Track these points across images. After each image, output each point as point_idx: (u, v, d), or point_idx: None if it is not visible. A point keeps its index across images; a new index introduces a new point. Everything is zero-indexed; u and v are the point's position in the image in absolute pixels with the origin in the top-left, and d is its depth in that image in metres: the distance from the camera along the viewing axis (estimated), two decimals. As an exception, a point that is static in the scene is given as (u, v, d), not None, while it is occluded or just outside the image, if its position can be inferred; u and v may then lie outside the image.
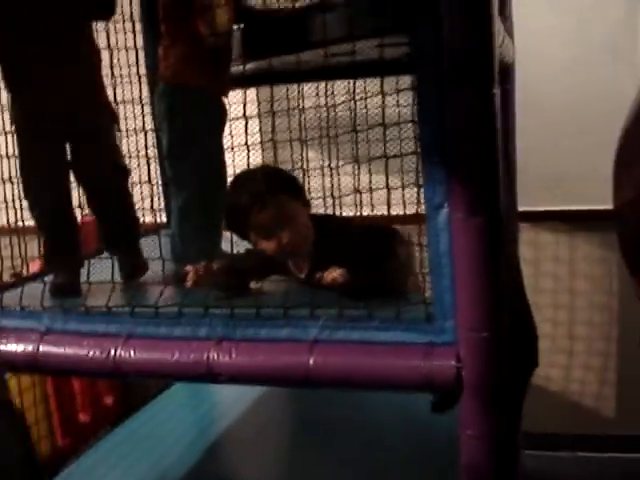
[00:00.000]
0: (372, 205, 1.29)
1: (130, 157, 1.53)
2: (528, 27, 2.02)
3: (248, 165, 1.41)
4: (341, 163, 1.27)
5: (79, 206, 1.50)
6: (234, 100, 1.84)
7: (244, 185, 1.39)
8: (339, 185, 1.28)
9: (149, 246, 1.50)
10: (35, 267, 1.77)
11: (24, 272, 1.67)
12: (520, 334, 1.33)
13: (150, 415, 2.07)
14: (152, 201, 1.42)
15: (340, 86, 1.87)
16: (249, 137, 1.50)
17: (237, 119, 1.45)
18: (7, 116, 1.46)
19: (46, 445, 2.18)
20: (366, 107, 1.31)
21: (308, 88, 1.92)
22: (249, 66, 1.55)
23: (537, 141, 2.21)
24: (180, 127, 1.46)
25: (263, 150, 1.77)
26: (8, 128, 1.46)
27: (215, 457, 1.78)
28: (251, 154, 1.44)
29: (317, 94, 1.86)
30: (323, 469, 1.64)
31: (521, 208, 2.07)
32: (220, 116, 1.53)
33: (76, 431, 2.39)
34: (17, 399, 1.94)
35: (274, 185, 1.35)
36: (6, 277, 1.57)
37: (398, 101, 1.21)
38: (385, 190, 1.22)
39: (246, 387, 2.01)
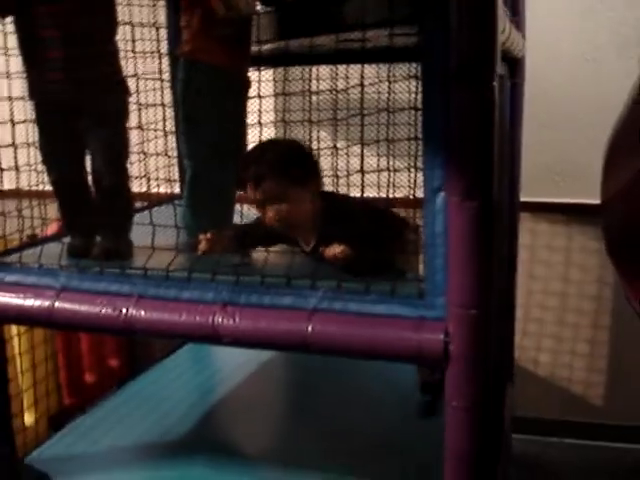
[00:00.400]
0: (378, 187, 1.35)
1: (148, 129, 1.58)
2: (540, 22, 2.08)
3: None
4: (346, 144, 1.33)
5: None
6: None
7: (250, 157, 1.46)
8: (347, 166, 1.34)
9: (163, 214, 1.57)
10: (53, 229, 1.84)
11: (40, 234, 1.75)
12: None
13: (155, 377, 2.15)
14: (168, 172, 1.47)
15: (354, 70, 1.91)
16: (264, 115, 1.58)
17: (252, 98, 1.53)
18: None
19: (53, 402, 2.26)
20: (378, 92, 1.37)
21: (323, 70, 1.98)
22: (265, 47, 1.60)
23: (543, 133, 2.27)
24: (194, 101, 1.52)
25: (276, 128, 1.82)
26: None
27: (214, 420, 1.86)
28: (265, 132, 1.53)
29: (331, 77, 1.91)
30: (314, 437, 1.72)
31: (523, 198, 2.13)
32: (239, 91, 1.59)
33: (82, 391, 2.49)
34: (28, 355, 2.02)
35: (276, 161, 1.41)
36: (20, 239, 1.64)
37: (410, 87, 1.26)
38: (391, 173, 1.30)
39: (251, 354, 2.11)
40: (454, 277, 1.12)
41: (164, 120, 1.42)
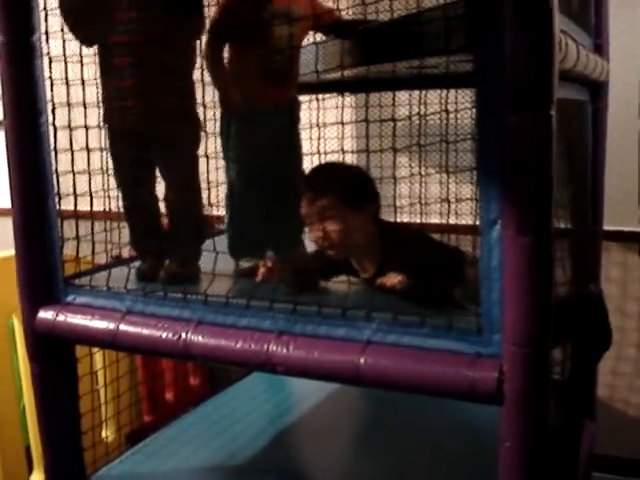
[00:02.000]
0: (440, 214, 1.32)
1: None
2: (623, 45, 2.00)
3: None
4: (409, 172, 1.30)
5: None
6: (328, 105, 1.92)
7: (310, 175, 1.48)
8: (421, 193, 1.31)
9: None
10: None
11: (123, 255, 1.80)
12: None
13: (228, 399, 2.18)
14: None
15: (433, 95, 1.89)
16: (342, 141, 1.58)
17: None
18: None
19: (133, 418, 2.30)
20: (456, 119, 1.34)
21: (402, 96, 1.97)
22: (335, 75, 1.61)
23: (629, 160, 2.17)
24: (247, 151, 1.55)
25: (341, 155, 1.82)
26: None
27: (282, 445, 1.86)
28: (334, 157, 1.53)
29: (409, 103, 1.89)
30: (379, 470, 1.69)
31: (610, 227, 2.04)
32: (289, 121, 1.60)
33: (161, 408, 2.53)
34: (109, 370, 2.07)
35: (334, 181, 1.42)
36: (107, 259, 1.69)
37: (471, 113, 1.23)
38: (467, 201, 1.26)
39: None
40: (509, 314, 1.07)
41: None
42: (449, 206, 1.19)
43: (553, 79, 1.02)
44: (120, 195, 1.60)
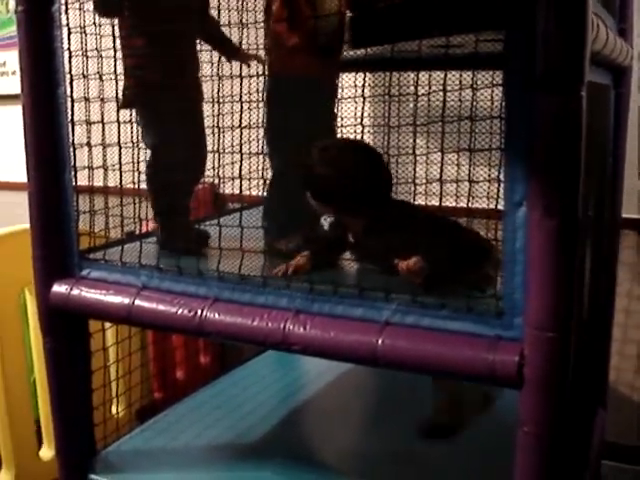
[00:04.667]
0: (456, 196, 1.30)
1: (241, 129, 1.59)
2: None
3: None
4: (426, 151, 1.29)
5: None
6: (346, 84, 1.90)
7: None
8: (426, 174, 1.30)
9: (254, 217, 1.58)
10: (145, 228, 1.88)
11: (137, 231, 1.79)
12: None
13: (239, 377, 2.17)
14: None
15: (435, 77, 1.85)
16: (355, 120, 1.56)
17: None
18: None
19: (143, 395, 2.30)
20: (460, 100, 1.32)
21: (407, 76, 1.94)
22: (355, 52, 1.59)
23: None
24: (283, 114, 1.52)
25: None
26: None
27: (292, 425, 1.85)
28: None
29: (414, 84, 1.86)
30: (391, 451, 1.68)
31: (628, 215, 2.02)
32: (329, 99, 1.58)
33: (172, 386, 2.54)
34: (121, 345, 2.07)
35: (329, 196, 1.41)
36: (122, 234, 1.68)
37: (492, 95, 1.21)
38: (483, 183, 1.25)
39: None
40: (532, 297, 1.06)
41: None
42: (470, 188, 1.17)
43: (585, 60, 1.00)
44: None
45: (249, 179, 1.63)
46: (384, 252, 1.33)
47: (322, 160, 1.40)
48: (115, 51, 1.50)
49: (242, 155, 1.40)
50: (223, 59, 1.56)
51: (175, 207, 1.66)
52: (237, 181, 1.48)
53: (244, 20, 1.49)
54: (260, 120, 1.63)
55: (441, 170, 1.23)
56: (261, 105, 1.62)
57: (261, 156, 1.53)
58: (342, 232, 1.46)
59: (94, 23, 1.46)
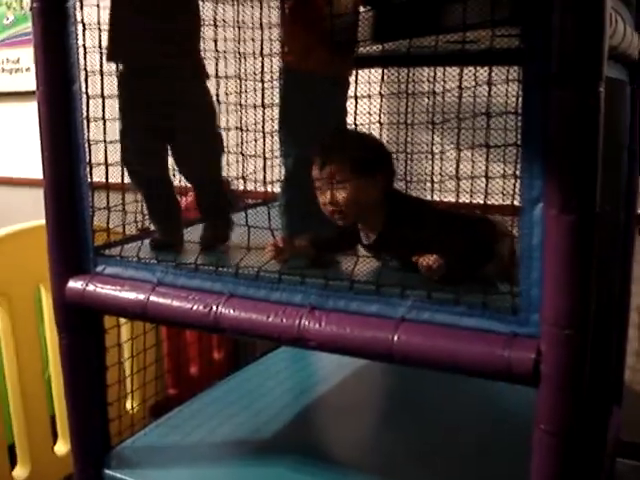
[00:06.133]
0: (471, 192, 1.29)
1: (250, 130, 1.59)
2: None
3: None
4: (441, 148, 1.28)
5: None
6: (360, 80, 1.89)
7: (324, 141, 1.44)
8: (441, 170, 1.30)
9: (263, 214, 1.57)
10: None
11: (150, 227, 1.79)
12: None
13: (253, 374, 2.18)
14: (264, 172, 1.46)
15: (453, 73, 1.84)
16: (369, 116, 1.55)
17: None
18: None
19: (157, 391, 2.31)
20: (474, 95, 1.32)
21: (423, 72, 1.93)
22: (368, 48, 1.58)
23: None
24: (297, 109, 1.52)
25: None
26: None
27: (305, 421, 1.86)
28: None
29: (428, 80, 1.85)
30: (405, 448, 1.69)
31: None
32: (338, 94, 1.57)
33: (186, 382, 2.54)
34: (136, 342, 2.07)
35: (345, 146, 1.39)
36: (134, 231, 1.68)
37: (507, 90, 1.20)
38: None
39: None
40: (549, 294, 1.05)
41: (263, 122, 1.42)
42: (487, 183, 1.16)
43: (603, 54, 0.99)
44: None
45: (263, 175, 1.63)
46: (402, 248, 1.33)
47: (336, 144, 1.40)
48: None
49: (265, 152, 1.40)
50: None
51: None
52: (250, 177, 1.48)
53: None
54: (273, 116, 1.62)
55: (457, 166, 1.22)
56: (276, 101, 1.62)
57: (275, 152, 1.54)
58: (353, 227, 1.46)
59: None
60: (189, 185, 1.66)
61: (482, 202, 1.21)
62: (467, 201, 1.43)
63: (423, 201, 1.48)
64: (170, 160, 1.62)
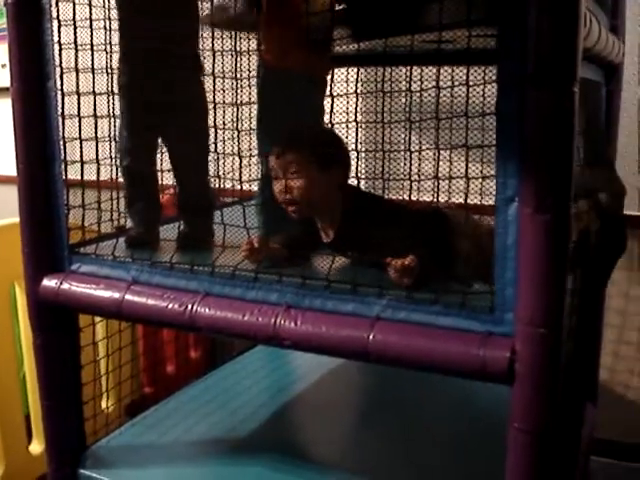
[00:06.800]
0: (449, 193, 1.30)
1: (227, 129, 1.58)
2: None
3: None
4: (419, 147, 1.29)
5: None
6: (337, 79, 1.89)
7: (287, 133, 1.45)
8: (419, 170, 1.30)
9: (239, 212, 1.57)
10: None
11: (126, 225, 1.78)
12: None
13: (230, 372, 2.17)
14: (240, 172, 1.46)
15: (429, 73, 1.85)
16: (345, 116, 1.55)
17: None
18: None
19: (133, 390, 2.30)
20: (452, 95, 1.32)
21: (399, 71, 1.93)
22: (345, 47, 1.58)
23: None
24: (274, 107, 1.52)
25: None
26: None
27: (282, 420, 1.86)
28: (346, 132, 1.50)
29: (405, 79, 1.85)
30: (380, 446, 1.69)
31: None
32: (315, 92, 1.57)
33: (162, 380, 2.53)
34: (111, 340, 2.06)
35: (303, 139, 1.41)
36: (110, 229, 1.67)
37: (484, 91, 1.21)
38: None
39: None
40: (523, 293, 1.06)
41: (237, 120, 1.42)
42: (468, 184, 1.16)
43: (577, 55, 1.00)
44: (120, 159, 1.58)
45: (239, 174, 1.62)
46: (360, 246, 1.33)
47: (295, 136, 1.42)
48: (110, 45, 1.50)
49: (240, 151, 1.40)
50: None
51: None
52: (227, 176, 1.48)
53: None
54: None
55: (437, 166, 1.23)
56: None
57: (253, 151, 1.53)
58: (314, 225, 1.47)
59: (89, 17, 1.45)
60: (167, 182, 1.66)
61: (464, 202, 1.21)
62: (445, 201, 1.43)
63: (377, 197, 1.48)
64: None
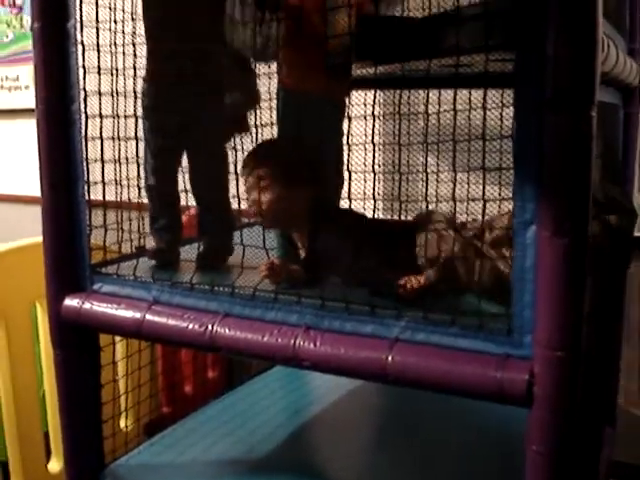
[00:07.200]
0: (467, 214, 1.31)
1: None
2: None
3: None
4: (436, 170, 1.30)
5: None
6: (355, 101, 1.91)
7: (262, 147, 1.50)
8: (436, 192, 1.31)
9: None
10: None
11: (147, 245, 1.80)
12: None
13: (247, 393, 2.17)
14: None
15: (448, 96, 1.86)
16: (362, 137, 1.57)
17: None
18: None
19: (152, 409, 2.31)
20: (469, 118, 1.33)
21: (417, 94, 1.95)
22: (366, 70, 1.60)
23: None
24: (294, 132, 1.54)
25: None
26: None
27: (299, 441, 1.86)
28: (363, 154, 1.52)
29: (424, 103, 1.87)
30: (398, 469, 1.69)
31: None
32: (334, 115, 1.59)
33: (180, 400, 2.54)
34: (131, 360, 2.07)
35: (277, 154, 1.48)
36: (130, 249, 1.68)
37: (501, 114, 1.22)
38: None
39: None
40: (542, 316, 1.06)
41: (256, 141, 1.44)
42: (484, 206, 1.17)
43: (595, 80, 1.01)
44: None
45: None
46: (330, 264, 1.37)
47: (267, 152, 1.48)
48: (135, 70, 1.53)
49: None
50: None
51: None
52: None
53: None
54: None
55: (454, 189, 1.24)
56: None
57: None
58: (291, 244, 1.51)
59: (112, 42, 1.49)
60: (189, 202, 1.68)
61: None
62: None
63: (355, 214, 1.50)
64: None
